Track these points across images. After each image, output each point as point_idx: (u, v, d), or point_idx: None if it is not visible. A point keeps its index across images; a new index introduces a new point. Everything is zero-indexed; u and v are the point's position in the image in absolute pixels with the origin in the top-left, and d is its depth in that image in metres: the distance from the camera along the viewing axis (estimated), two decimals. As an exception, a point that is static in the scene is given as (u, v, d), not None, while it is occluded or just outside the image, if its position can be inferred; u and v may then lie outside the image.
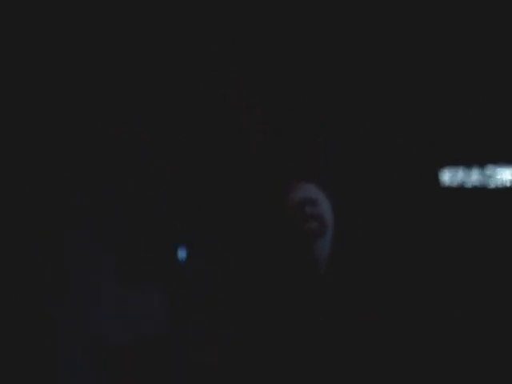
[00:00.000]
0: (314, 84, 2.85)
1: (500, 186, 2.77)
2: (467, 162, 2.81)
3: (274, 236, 2.42)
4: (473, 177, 2.81)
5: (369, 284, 2.54)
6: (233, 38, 2.82)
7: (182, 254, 2.54)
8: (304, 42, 2.85)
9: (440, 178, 2.82)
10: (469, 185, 2.81)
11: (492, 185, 2.78)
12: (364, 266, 2.55)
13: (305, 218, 2.39)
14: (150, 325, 2.45)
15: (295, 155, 2.67)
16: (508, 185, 2.76)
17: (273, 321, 2.37)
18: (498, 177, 2.78)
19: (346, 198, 2.57)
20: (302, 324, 2.35)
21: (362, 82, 2.85)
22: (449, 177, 2.83)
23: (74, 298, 2.46)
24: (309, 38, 2.85)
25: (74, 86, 2.66)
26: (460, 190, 2.81)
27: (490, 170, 2.79)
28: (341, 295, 2.46)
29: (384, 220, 2.72)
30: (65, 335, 2.42)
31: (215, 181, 2.68)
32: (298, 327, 2.35)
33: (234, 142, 2.72)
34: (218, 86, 2.78)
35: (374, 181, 2.74)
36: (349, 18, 2.86)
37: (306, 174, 2.54)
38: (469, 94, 2.82)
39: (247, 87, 2.83)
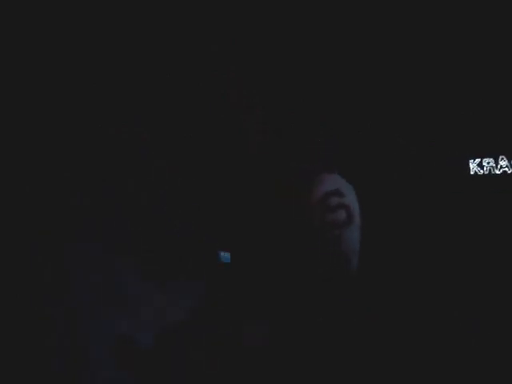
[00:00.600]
0: (314, 83, 2.81)
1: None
2: (494, 152, 2.73)
3: (302, 229, 2.33)
4: (501, 164, 2.72)
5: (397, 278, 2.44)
6: (233, 38, 2.80)
7: (224, 256, 2.50)
8: (304, 43, 2.82)
9: (467, 166, 2.74)
10: (497, 172, 2.72)
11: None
12: (392, 258, 2.45)
13: (332, 209, 2.29)
14: (176, 324, 2.39)
15: (315, 148, 2.61)
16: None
17: (303, 317, 2.27)
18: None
19: (372, 188, 2.49)
20: (330, 321, 2.26)
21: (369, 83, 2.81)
22: (476, 165, 2.74)
23: (99, 299, 2.42)
24: (308, 38, 2.82)
25: (74, 86, 2.64)
26: (488, 178, 2.72)
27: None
28: (372, 291, 2.37)
29: (412, 210, 2.63)
30: (90, 336, 2.39)
31: (227, 183, 2.63)
32: (325, 324, 2.26)
33: (242, 141, 2.68)
34: (218, 86, 2.76)
35: (401, 171, 2.66)
36: (348, 17, 2.82)
37: (330, 165, 2.45)
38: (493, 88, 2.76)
39: (247, 87, 2.80)
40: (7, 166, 2.51)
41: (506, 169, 2.71)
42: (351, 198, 2.34)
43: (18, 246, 2.42)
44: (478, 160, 2.74)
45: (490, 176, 2.72)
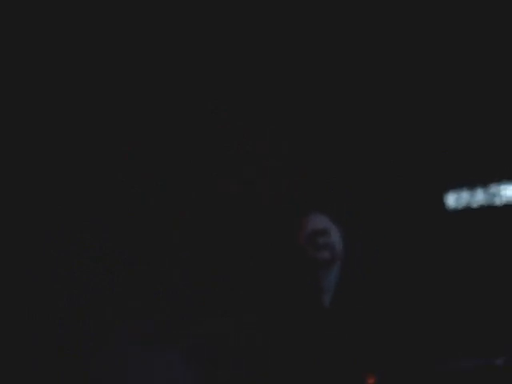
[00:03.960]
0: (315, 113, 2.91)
1: (506, 203, 2.81)
2: (471, 183, 2.85)
3: (287, 265, 2.47)
4: (478, 197, 2.85)
5: (374, 312, 2.56)
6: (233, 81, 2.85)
7: None
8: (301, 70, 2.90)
9: (445, 201, 2.87)
10: (474, 205, 2.85)
11: (497, 202, 2.83)
12: (371, 294, 2.58)
13: (317, 248, 2.44)
14: None
15: (305, 188, 2.72)
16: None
17: (279, 345, 2.38)
18: (503, 194, 2.82)
19: (354, 228, 2.62)
20: (306, 349, 2.37)
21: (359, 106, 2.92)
22: (454, 199, 2.87)
23: (100, 363, 2.44)
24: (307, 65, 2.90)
25: (68, 93, 2.66)
26: (466, 212, 2.85)
27: (493, 188, 2.84)
28: (345, 324, 2.48)
29: (393, 248, 2.76)
30: None
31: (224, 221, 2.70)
32: (301, 352, 2.37)
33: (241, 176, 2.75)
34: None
35: (380, 208, 2.79)
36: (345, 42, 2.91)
37: (318, 205, 2.59)
38: (465, 115, 2.89)
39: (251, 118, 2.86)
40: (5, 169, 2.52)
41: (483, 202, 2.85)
42: (336, 239, 2.48)
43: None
44: (455, 194, 2.88)
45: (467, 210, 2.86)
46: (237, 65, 2.86)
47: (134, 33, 2.77)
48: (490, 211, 2.83)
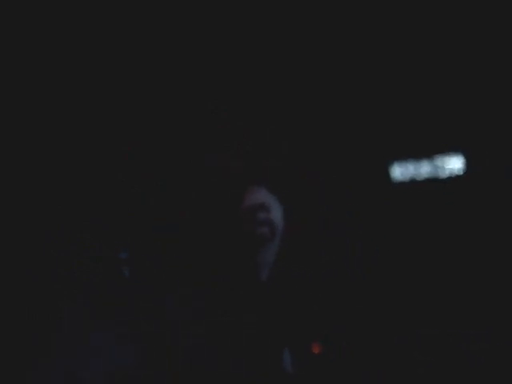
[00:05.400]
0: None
1: (451, 175, 2.80)
2: (416, 155, 2.84)
3: (225, 240, 2.42)
4: (423, 169, 2.84)
5: (314, 289, 2.54)
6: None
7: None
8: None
9: (391, 173, 2.85)
10: (420, 177, 2.84)
11: (442, 175, 2.82)
12: (311, 270, 2.56)
13: (257, 223, 2.39)
14: (124, 363, 2.40)
15: (246, 158, 2.68)
16: (458, 173, 2.80)
17: (215, 324, 2.35)
18: (448, 166, 2.81)
19: (297, 203, 2.58)
20: (242, 326, 2.34)
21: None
22: (399, 171, 2.85)
23: (46, 337, 2.41)
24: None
25: (68, 93, 2.67)
26: (412, 184, 2.84)
27: (439, 160, 2.82)
28: (281, 301, 2.45)
29: (338, 222, 2.74)
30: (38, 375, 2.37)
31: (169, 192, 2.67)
32: (237, 330, 2.34)
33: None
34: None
35: (324, 182, 2.76)
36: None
37: (258, 178, 2.54)
38: (411, 88, 2.86)
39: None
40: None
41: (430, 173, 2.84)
42: (276, 215, 2.42)
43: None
44: (402, 165, 2.86)
45: (414, 182, 2.85)
46: (236, 65, 2.83)
47: (133, 33, 2.75)
48: (436, 183, 2.82)
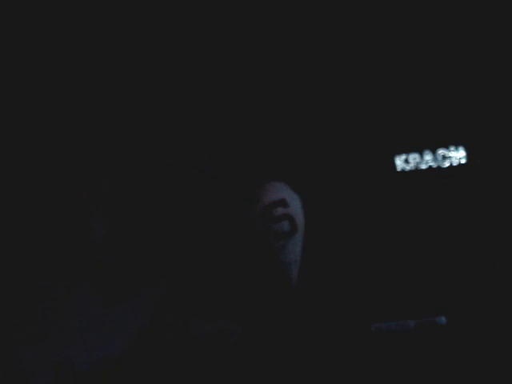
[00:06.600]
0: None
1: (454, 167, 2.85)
2: (419, 147, 2.87)
3: (245, 238, 2.42)
4: (426, 159, 2.87)
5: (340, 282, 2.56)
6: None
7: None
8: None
9: (395, 163, 2.87)
10: (423, 167, 2.87)
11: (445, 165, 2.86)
12: (336, 263, 2.58)
13: (276, 219, 2.39)
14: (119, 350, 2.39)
15: (264, 155, 2.67)
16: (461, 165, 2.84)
17: (244, 326, 2.36)
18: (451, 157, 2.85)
19: (312, 197, 2.59)
20: (272, 330, 2.35)
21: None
22: (403, 161, 2.88)
23: (45, 319, 2.39)
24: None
25: (68, 93, 2.65)
26: (414, 173, 2.87)
27: (442, 151, 2.86)
28: (312, 300, 2.47)
29: (344, 209, 2.75)
30: (35, 359, 2.34)
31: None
32: (267, 333, 2.34)
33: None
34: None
35: (332, 177, 2.77)
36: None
37: (276, 173, 2.54)
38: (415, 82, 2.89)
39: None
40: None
41: (432, 163, 2.88)
42: (296, 208, 2.43)
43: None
44: (403, 156, 2.89)
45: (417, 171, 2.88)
46: (236, 65, 2.81)
47: (133, 32, 2.73)
48: (438, 173, 2.86)
